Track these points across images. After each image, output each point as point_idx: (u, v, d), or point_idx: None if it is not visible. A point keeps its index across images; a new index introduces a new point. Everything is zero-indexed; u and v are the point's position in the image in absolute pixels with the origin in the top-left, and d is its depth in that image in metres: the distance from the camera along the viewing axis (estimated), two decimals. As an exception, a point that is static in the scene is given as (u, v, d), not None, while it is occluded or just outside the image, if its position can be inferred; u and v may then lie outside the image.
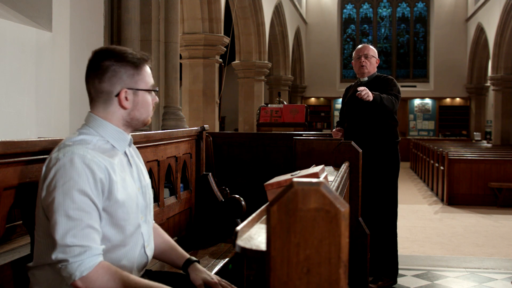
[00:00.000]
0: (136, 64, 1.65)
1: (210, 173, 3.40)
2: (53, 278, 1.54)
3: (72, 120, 3.85)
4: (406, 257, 4.78)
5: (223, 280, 1.85)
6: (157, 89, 1.76)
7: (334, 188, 1.67)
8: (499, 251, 5.37)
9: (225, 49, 8.24)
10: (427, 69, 19.36)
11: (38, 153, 1.75)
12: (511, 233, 6.28)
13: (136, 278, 1.56)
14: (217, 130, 8.21)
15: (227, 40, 8.17)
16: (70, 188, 1.47)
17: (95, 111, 1.66)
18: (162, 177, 2.83)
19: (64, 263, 1.44)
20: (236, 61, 11.61)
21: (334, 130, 4.12)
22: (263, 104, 8.39)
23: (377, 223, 3.80)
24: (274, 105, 6.33)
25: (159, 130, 4.61)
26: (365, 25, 19.86)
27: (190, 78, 8.00)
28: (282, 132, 5.13)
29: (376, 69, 4.01)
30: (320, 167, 1.94)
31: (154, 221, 1.87)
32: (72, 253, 1.44)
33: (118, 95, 1.64)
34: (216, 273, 2.39)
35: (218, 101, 8.21)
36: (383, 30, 19.82)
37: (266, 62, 11.82)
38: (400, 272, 4.09)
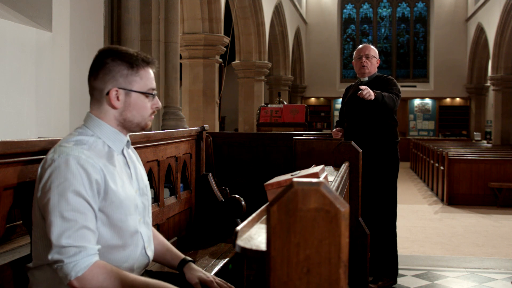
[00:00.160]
0: (132, 65, 1.64)
1: (210, 173, 3.39)
2: (52, 278, 1.54)
3: (72, 120, 3.85)
4: (406, 257, 4.78)
5: (218, 278, 1.86)
6: (154, 93, 1.70)
7: (334, 188, 1.67)
8: (499, 251, 5.37)
9: (225, 49, 8.24)
10: (427, 69, 19.36)
11: (38, 153, 1.75)
12: (511, 233, 6.28)
13: (133, 276, 1.56)
14: (217, 130, 8.21)
15: (227, 40, 8.17)
16: (65, 189, 1.47)
17: (92, 110, 1.67)
18: (162, 177, 2.83)
19: (59, 264, 1.45)
20: (236, 61, 11.61)
21: (334, 130, 4.12)
22: (263, 104, 8.39)
23: (377, 223, 3.80)
24: (274, 105, 6.33)
25: (159, 130, 4.61)
26: (365, 25, 19.86)
27: (190, 78, 8.00)
28: (282, 132, 5.12)
29: (376, 69, 4.02)
30: (320, 167, 1.94)
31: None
32: (67, 254, 1.45)
33: (108, 93, 1.63)
34: (216, 273, 2.39)
35: (218, 101, 8.20)
36: (383, 30, 19.83)
37: (266, 62, 11.82)
38: (400, 272, 4.09)
